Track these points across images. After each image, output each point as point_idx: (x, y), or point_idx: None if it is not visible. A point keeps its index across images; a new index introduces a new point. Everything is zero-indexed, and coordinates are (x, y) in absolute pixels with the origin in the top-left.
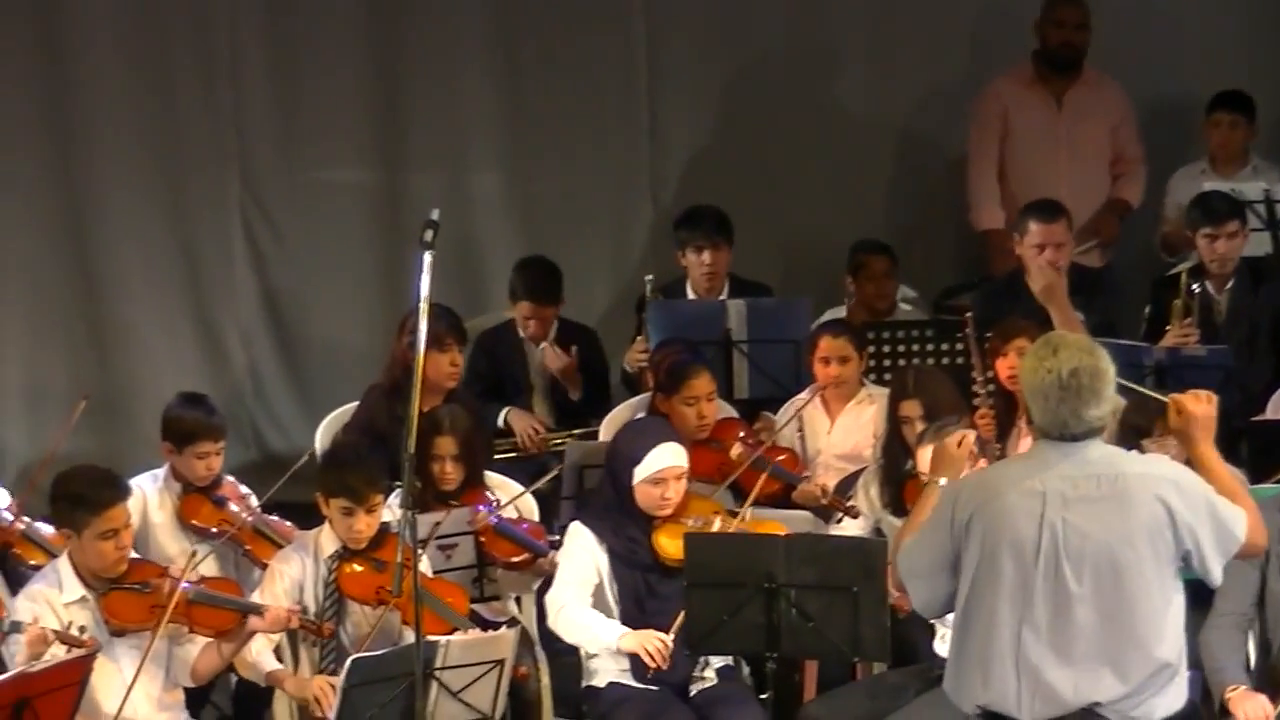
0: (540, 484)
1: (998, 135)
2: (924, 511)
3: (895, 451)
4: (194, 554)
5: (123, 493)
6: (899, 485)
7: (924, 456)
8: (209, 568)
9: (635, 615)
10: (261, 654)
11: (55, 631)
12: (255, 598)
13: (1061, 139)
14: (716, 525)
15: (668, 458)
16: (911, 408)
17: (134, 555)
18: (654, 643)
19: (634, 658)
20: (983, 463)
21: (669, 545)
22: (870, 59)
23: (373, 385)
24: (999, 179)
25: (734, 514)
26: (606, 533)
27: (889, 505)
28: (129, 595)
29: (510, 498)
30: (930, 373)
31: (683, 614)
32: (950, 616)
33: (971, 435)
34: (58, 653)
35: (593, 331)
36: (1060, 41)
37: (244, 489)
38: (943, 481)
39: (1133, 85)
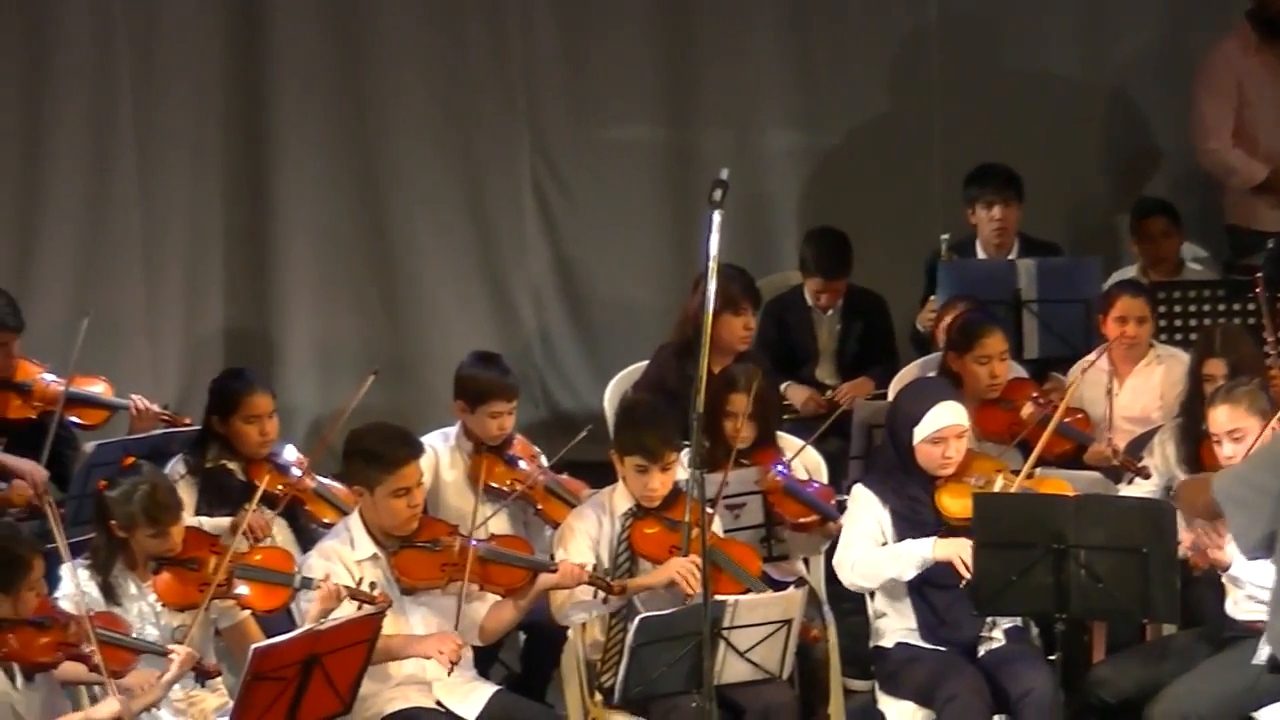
0: (821, 430)
1: (1234, 104)
2: None
3: (1196, 409)
4: (476, 509)
5: (416, 450)
6: (1196, 443)
7: (1214, 416)
8: (501, 527)
9: (918, 575)
10: (583, 588)
11: (348, 588)
12: (558, 554)
13: None
14: (999, 484)
15: (947, 416)
16: (1216, 366)
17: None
18: (967, 552)
19: (923, 618)
20: (1275, 424)
21: (952, 504)
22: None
23: (663, 344)
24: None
25: (1016, 473)
26: (889, 494)
27: (1185, 463)
28: (420, 553)
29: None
30: (1236, 332)
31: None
32: (1242, 576)
33: None
34: (349, 610)
35: (881, 299)
36: None
37: (534, 448)
38: None
39: None
